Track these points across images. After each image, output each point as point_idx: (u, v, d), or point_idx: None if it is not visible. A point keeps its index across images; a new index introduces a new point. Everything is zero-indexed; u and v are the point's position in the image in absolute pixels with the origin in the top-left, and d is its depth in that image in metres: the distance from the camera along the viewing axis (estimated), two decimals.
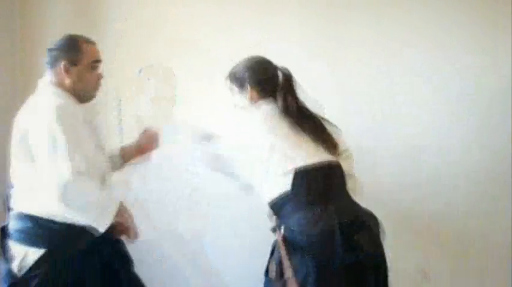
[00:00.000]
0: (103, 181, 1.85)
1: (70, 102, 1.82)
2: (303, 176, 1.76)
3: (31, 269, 1.74)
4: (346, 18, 2.54)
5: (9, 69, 2.73)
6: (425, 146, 2.45)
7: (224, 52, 2.49)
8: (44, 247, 1.75)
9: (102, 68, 1.91)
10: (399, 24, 2.48)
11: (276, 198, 1.78)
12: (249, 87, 1.96)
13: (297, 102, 1.94)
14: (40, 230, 1.77)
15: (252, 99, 1.97)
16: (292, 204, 1.76)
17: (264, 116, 1.90)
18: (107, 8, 2.70)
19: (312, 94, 2.02)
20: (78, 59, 1.84)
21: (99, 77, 1.89)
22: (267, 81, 1.98)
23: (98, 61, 1.89)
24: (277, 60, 2.53)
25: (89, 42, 1.89)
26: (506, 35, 2.37)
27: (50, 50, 1.88)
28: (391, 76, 2.47)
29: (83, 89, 1.86)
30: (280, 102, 1.93)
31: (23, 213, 1.80)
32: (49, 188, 1.69)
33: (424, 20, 2.46)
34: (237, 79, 2.00)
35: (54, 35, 2.67)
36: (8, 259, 1.79)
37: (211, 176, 2.37)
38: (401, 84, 2.47)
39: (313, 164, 1.77)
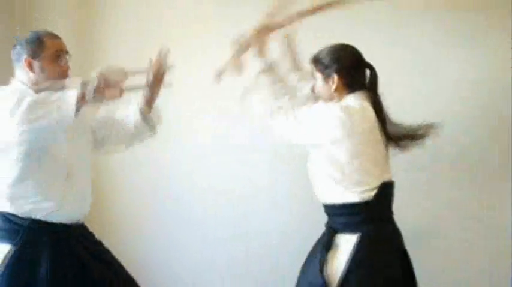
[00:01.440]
0: (70, 174, 1.83)
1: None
2: (385, 190, 1.78)
3: (1, 266, 1.73)
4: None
5: (9, 69, 2.73)
6: None
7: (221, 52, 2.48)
8: (9, 243, 1.76)
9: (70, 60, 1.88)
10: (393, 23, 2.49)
11: (352, 203, 1.75)
12: (335, 77, 1.81)
13: (381, 105, 1.82)
14: (6, 224, 1.78)
15: (336, 91, 1.82)
16: (366, 214, 1.75)
17: (347, 115, 1.72)
18: (107, 8, 2.70)
19: None
20: (39, 52, 1.81)
21: (64, 68, 1.85)
22: (356, 73, 1.84)
23: (61, 51, 1.84)
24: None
25: (51, 35, 1.87)
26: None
27: (14, 47, 1.86)
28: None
29: (46, 81, 1.80)
30: (370, 99, 1.80)
31: None
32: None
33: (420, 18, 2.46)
34: (322, 65, 1.84)
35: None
36: None
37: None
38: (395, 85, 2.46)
39: (390, 180, 1.82)
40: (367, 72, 1.85)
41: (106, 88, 1.64)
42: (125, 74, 1.71)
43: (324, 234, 1.87)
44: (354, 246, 1.71)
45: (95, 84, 1.61)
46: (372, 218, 1.76)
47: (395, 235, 1.83)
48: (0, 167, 1.78)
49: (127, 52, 2.70)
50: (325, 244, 1.77)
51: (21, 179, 1.75)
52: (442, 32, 2.42)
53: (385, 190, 1.79)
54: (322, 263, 1.73)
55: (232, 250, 2.76)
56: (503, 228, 2.42)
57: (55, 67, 1.82)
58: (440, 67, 2.43)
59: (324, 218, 2.54)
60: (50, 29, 2.71)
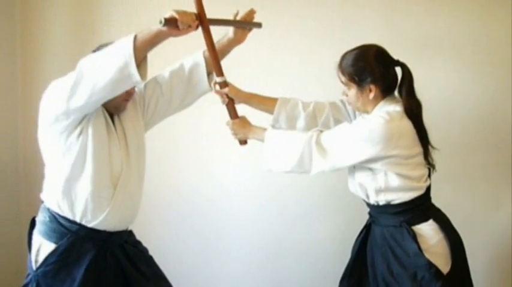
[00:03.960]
0: (115, 184, 1.81)
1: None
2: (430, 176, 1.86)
3: (42, 263, 1.77)
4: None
5: (9, 70, 2.73)
6: None
7: None
8: (53, 242, 1.78)
9: None
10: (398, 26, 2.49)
11: (419, 196, 1.80)
12: (372, 87, 1.78)
13: (418, 105, 1.80)
14: (54, 225, 1.79)
15: (374, 99, 1.80)
16: (428, 201, 1.86)
17: (390, 124, 1.71)
18: (107, 10, 2.70)
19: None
20: None
21: (128, 92, 1.82)
22: (390, 76, 1.80)
23: None
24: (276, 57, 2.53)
25: None
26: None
27: None
28: None
29: (110, 103, 1.80)
30: (403, 102, 1.78)
31: (45, 205, 1.84)
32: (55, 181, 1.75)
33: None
34: (355, 77, 1.80)
35: (55, 36, 2.72)
36: (30, 250, 1.84)
37: None
38: None
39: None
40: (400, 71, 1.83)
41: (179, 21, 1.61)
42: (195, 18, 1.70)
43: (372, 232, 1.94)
44: (438, 228, 1.80)
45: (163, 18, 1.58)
46: (430, 202, 1.89)
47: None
48: (52, 170, 1.81)
49: None
50: (412, 235, 1.78)
51: (70, 185, 1.76)
52: (442, 31, 2.43)
53: (430, 175, 1.88)
54: (420, 247, 1.75)
55: (244, 258, 2.75)
56: (504, 229, 2.42)
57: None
58: (440, 67, 2.43)
59: (334, 221, 2.58)
60: (50, 28, 2.76)
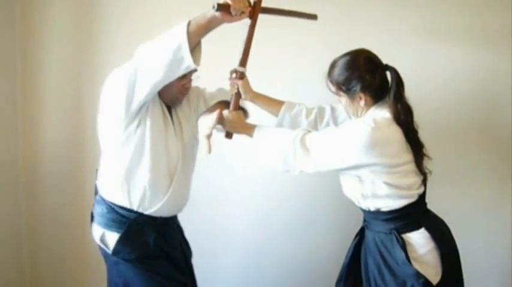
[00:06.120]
0: (172, 172, 1.87)
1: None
2: (425, 182, 1.82)
3: (114, 251, 1.86)
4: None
5: (9, 70, 2.73)
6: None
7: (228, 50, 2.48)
8: (116, 231, 1.86)
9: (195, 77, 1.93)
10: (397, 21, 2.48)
11: (410, 203, 1.77)
12: (361, 95, 1.76)
13: (407, 111, 1.76)
14: (113, 215, 1.87)
15: (365, 105, 1.79)
16: (421, 208, 1.83)
17: (375, 133, 1.67)
18: (107, 10, 2.70)
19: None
20: None
21: (185, 85, 1.89)
22: (380, 82, 1.77)
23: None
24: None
25: None
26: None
27: None
28: None
29: (166, 95, 1.88)
30: (391, 109, 1.74)
31: (101, 197, 1.92)
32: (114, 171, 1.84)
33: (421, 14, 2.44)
34: (344, 86, 1.78)
35: (55, 36, 2.71)
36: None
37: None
38: None
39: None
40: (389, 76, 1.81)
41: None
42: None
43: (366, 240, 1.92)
44: (429, 237, 1.76)
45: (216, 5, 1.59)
46: (425, 210, 1.85)
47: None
48: (110, 159, 1.87)
49: (128, 50, 2.69)
50: (401, 244, 1.75)
51: (129, 174, 1.82)
52: (442, 31, 2.42)
53: (425, 182, 1.84)
54: (408, 257, 1.73)
55: (240, 259, 2.75)
56: (504, 230, 2.42)
57: (177, 84, 1.86)
58: (439, 67, 2.42)
59: (332, 223, 2.57)
60: (50, 28, 2.75)
